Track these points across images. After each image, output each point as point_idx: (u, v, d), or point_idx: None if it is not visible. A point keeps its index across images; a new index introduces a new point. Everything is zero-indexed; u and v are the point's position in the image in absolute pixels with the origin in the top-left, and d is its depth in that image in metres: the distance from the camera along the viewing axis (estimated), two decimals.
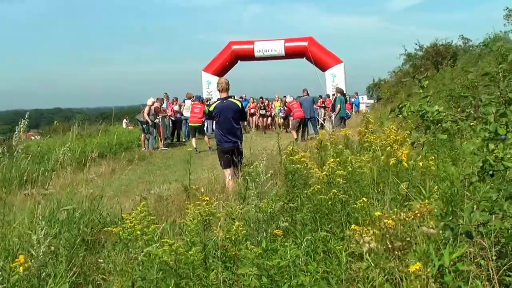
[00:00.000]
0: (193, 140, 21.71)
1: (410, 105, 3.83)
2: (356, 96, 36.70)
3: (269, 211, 4.51)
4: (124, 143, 22.73)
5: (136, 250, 3.99)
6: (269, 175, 5.34)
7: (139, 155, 19.52)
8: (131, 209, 6.58)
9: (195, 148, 20.51)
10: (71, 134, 15.98)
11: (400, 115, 3.86)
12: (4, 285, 3.80)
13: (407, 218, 2.58)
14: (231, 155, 9.85)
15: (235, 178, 9.56)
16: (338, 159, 5.30)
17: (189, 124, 22.46)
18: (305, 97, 24.11)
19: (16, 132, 5.83)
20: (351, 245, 3.43)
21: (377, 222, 2.60)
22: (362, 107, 36.51)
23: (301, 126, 22.47)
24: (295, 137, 21.23)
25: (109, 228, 5.37)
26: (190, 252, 3.57)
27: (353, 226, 2.74)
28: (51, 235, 5.17)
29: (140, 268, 3.84)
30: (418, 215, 2.57)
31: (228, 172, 9.90)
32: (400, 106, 3.83)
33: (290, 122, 26.98)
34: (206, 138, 22.05)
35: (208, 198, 4.92)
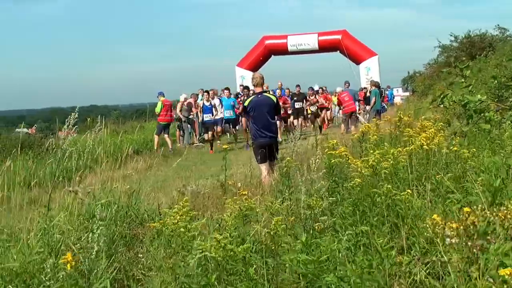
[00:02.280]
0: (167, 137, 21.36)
1: (452, 95, 3.76)
2: (389, 89, 36.20)
3: (313, 206, 4.46)
4: (159, 139, 22.85)
5: (179, 245, 3.97)
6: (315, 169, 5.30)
7: (174, 151, 19.64)
8: (168, 205, 6.61)
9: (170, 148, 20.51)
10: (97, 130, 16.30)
11: (442, 105, 3.79)
12: (51, 282, 3.83)
13: (493, 217, 2.51)
14: (266, 150, 9.84)
15: (271, 173, 9.55)
16: (379, 152, 5.20)
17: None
18: (347, 89, 23.90)
19: (64, 128, 5.95)
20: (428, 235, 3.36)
21: (462, 217, 2.52)
22: (397, 99, 36.14)
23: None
24: (342, 131, 20.70)
25: (149, 224, 5.42)
26: (239, 248, 3.53)
27: (434, 216, 2.67)
28: (90, 231, 5.23)
29: (183, 264, 3.83)
30: (507, 215, 2.49)
31: (264, 167, 9.89)
32: (442, 95, 3.76)
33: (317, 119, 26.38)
34: (168, 138, 21.35)
35: (246, 193, 4.91)
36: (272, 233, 3.81)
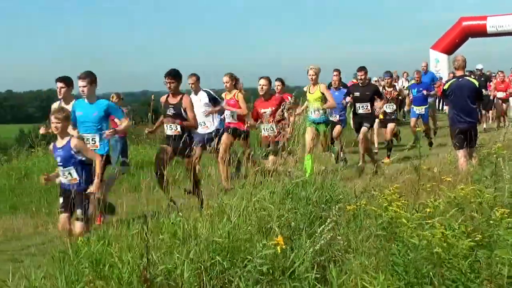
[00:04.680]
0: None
1: None
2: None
3: None
4: None
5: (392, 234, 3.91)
6: None
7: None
8: (362, 188, 6.56)
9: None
10: None
11: None
12: (261, 261, 3.97)
13: None
14: (465, 136, 9.46)
15: (469, 159, 9.19)
16: None
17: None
18: None
19: None
20: None
21: None
22: None
23: None
24: None
25: (346, 206, 5.42)
26: (463, 244, 3.39)
27: None
28: (289, 211, 5.34)
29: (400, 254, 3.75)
30: None
31: (461, 153, 9.50)
32: None
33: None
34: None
35: (449, 179, 4.72)
36: (496, 223, 3.58)
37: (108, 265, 4.38)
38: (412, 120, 16.14)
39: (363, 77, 12.72)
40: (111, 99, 11.28)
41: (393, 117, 15.04)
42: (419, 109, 16.02)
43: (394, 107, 15.18)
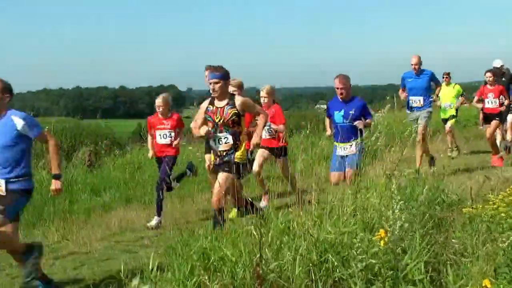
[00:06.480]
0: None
1: None
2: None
3: None
4: (462, 120, 21.54)
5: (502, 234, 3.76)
6: None
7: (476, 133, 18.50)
8: (477, 190, 6.34)
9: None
10: None
11: None
12: (364, 256, 3.91)
13: None
14: None
15: None
16: None
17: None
18: None
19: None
20: None
21: None
22: None
23: None
24: None
25: (461, 208, 5.25)
26: None
27: None
28: (402, 211, 5.23)
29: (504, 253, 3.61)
30: None
31: None
32: None
33: None
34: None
35: None
36: None
37: (220, 260, 4.44)
38: (333, 176, 8.28)
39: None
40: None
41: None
42: (344, 148, 8.24)
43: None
